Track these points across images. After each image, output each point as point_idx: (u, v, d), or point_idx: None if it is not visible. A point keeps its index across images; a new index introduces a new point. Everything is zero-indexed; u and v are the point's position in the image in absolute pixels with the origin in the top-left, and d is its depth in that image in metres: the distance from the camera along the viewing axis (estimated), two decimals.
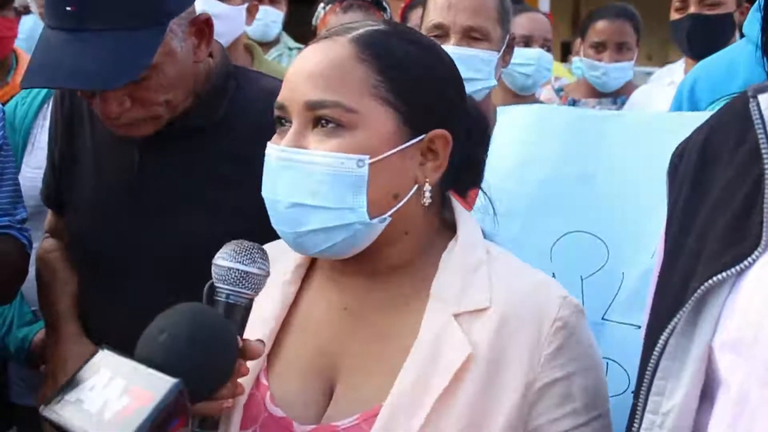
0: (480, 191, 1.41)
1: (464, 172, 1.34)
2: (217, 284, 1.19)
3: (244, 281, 1.18)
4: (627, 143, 1.65)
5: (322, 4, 3.02)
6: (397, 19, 3.31)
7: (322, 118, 1.19)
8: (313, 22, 3.03)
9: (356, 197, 1.19)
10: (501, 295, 1.23)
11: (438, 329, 1.21)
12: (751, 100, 1.07)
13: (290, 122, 1.23)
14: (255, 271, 1.18)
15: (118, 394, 1.01)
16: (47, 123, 2.48)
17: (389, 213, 1.22)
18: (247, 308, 1.20)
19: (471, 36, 2.11)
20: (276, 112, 1.25)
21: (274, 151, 1.22)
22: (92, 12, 1.55)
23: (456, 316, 1.21)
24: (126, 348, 1.10)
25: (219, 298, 1.19)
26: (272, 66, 3.08)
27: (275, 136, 1.25)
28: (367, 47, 1.22)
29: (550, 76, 3.59)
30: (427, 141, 1.24)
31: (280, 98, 1.24)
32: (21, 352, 2.23)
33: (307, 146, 1.20)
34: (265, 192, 1.24)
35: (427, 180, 1.25)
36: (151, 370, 1.03)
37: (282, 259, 1.31)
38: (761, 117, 1.05)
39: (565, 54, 6.13)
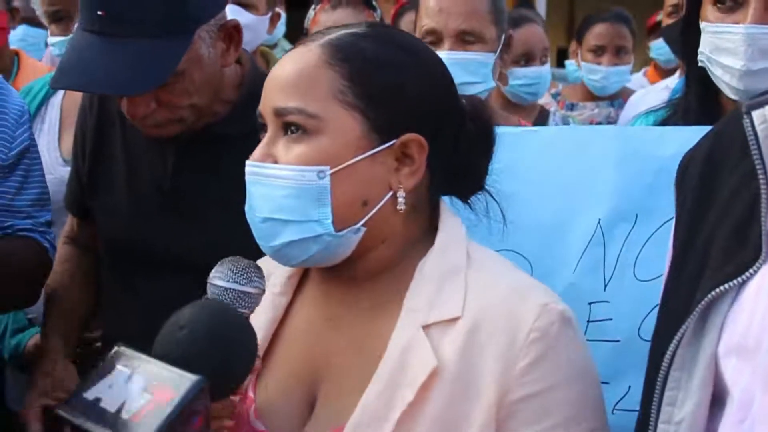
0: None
1: (461, 177, 1.31)
2: None
3: (240, 301, 1.18)
4: (540, 158, 1.63)
5: (313, 5, 3.02)
6: (388, 22, 3.30)
7: (290, 125, 1.19)
8: (305, 24, 3.03)
9: (320, 209, 1.17)
10: (474, 304, 1.18)
11: (406, 342, 1.17)
12: (744, 116, 1.03)
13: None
14: (251, 290, 1.18)
15: (138, 392, 1.00)
16: (46, 126, 2.53)
17: (362, 222, 1.20)
18: None
19: (464, 39, 2.10)
20: (258, 120, 1.25)
21: (247, 166, 1.22)
22: (120, 19, 1.58)
23: (425, 327, 1.17)
24: (148, 347, 1.09)
25: None
26: None
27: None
28: (336, 52, 1.20)
29: (550, 82, 3.61)
30: (400, 146, 1.20)
31: (259, 107, 1.24)
32: (15, 358, 2.24)
33: (276, 154, 1.20)
34: (246, 207, 1.24)
35: (401, 186, 1.21)
36: (171, 367, 1.02)
37: (277, 272, 1.31)
38: (755, 135, 1.02)
39: (561, 60, 6.14)
